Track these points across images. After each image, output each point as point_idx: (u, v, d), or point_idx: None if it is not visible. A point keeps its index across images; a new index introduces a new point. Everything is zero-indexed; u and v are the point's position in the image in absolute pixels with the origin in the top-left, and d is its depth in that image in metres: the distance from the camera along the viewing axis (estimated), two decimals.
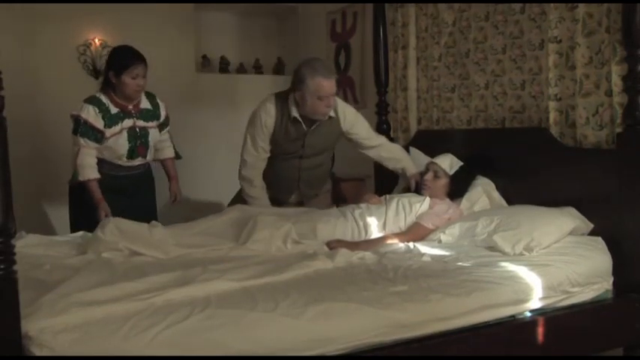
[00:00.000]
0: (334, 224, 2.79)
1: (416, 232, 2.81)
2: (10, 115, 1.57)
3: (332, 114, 3.12)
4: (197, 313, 1.76)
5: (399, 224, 2.86)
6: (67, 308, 1.70)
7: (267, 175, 3.21)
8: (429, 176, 3.03)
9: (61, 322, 1.65)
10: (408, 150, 3.52)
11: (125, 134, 3.19)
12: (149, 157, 3.38)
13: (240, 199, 3.31)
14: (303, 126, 3.10)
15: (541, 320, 2.21)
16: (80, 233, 2.83)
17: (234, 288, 1.98)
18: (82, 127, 3.10)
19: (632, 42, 2.47)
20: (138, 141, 3.23)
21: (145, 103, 3.29)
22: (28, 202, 3.85)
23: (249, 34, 5.74)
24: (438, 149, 3.19)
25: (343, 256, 2.38)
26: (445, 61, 3.55)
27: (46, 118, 4.66)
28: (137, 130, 3.23)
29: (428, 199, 2.92)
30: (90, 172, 3.14)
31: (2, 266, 1.54)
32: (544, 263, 2.34)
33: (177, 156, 3.56)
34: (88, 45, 4.78)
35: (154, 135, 3.32)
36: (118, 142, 3.18)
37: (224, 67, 5.47)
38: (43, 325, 1.62)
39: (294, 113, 3.06)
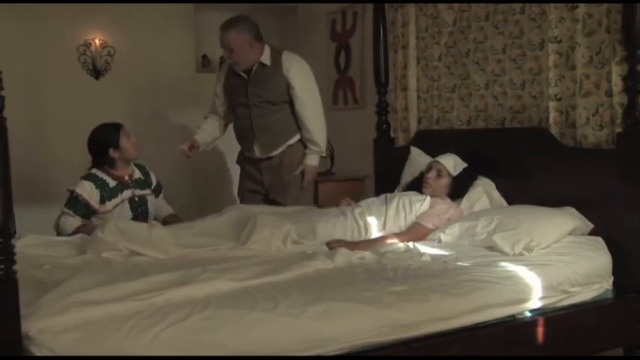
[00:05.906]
0: (334, 224, 2.80)
1: (416, 232, 2.81)
2: (10, 115, 1.57)
3: (267, 62, 3.40)
4: (197, 313, 1.76)
5: (399, 224, 2.86)
6: (67, 308, 1.70)
7: (235, 129, 3.64)
8: (431, 175, 3.02)
9: (61, 322, 1.65)
10: (408, 150, 3.51)
11: (127, 205, 3.25)
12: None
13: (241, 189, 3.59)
14: (244, 75, 3.46)
15: (541, 320, 2.22)
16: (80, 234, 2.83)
17: (234, 288, 1.98)
18: (72, 200, 3.13)
19: (632, 42, 2.47)
20: (139, 209, 3.29)
21: (137, 174, 3.39)
22: (28, 202, 3.85)
23: None
24: (438, 149, 3.18)
25: (343, 255, 2.37)
26: (445, 61, 3.54)
27: (46, 118, 4.66)
28: (136, 199, 3.29)
29: (428, 198, 2.92)
30: (74, 222, 3.11)
31: (2, 266, 1.54)
32: (544, 263, 2.34)
33: (177, 218, 3.47)
34: (88, 45, 4.78)
35: (151, 202, 3.39)
36: (122, 214, 3.21)
37: None
38: (43, 325, 1.62)
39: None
